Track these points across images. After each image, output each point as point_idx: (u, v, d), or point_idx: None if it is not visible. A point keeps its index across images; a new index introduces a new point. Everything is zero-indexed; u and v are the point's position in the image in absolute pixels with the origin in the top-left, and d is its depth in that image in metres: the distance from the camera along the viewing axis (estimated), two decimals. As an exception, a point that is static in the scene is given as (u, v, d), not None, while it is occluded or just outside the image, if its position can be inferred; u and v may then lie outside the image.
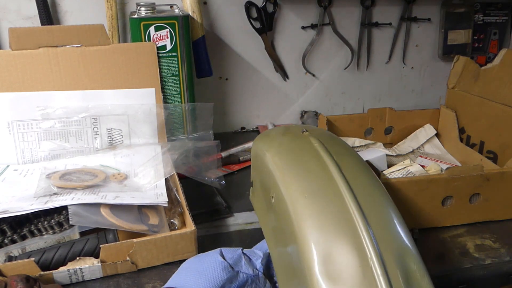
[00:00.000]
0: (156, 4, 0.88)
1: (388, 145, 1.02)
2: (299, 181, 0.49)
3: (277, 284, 0.55)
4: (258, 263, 0.55)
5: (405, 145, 1.01)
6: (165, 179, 0.73)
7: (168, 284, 0.54)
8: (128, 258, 0.60)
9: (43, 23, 0.92)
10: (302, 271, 0.42)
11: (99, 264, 0.59)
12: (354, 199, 0.45)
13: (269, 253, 0.56)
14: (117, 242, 0.60)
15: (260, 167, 0.59)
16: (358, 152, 0.91)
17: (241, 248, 0.57)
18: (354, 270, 0.40)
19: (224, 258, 0.54)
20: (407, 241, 0.44)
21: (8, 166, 0.78)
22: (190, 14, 0.93)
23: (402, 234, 0.45)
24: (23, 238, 0.62)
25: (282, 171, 0.51)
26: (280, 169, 0.52)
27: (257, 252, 0.57)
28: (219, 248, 0.56)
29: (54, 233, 0.62)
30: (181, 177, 0.75)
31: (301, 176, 0.49)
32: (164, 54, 0.87)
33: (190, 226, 0.63)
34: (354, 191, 0.47)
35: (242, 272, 0.53)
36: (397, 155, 0.97)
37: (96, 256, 0.59)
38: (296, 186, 0.48)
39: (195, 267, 0.53)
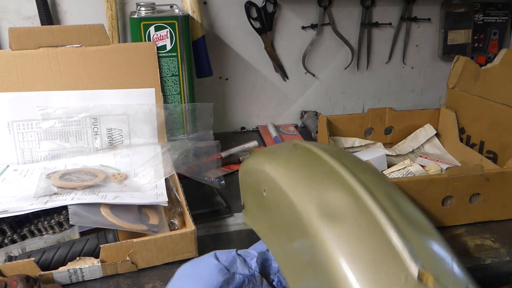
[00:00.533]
0: (156, 4, 0.88)
1: (388, 145, 1.02)
2: (284, 162, 0.55)
3: (274, 283, 0.55)
4: (253, 263, 0.55)
5: (405, 145, 1.01)
6: (165, 179, 0.73)
7: None
8: (128, 258, 0.60)
9: (43, 23, 0.92)
10: (305, 233, 0.45)
11: (99, 264, 0.59)
12: (339, 162, 0.51)
13: (263, 252, 0.56)
14: (117, 242, 0.60)
15: (248, 174, 0.63)
16: (358, 152, 0.93)
17: (235, 249, 0.56)
18: (349, 206, 0.44)
19: (218, 261, 0.54)
20: (389, 183, 0.52)
21: (8, 166, 0.78)
22: (190, 14, 0.93)
23: (383, 178, 0.53)
24: (23, 238, 0.62)
25: (270, 162, 0.56)
26: (267, 161, 0.56)
27: (252, 252, 0.57)
28: (213, 252, 0.56)
29: (54, 233, 0.62)
30: (181, 177, 0.75)
31: (285, 158, 0.56)
32: (164, 54, 0.87)
33: (190, 226, 0.63)
34: (338, 159, 0.52)
35: (238, 273, 0.53)
36: (397, 155, 0.97)
37: (96, 256, 0.59)
38: (281, 166, 0.54)
39: (190, 273, 0.53)
